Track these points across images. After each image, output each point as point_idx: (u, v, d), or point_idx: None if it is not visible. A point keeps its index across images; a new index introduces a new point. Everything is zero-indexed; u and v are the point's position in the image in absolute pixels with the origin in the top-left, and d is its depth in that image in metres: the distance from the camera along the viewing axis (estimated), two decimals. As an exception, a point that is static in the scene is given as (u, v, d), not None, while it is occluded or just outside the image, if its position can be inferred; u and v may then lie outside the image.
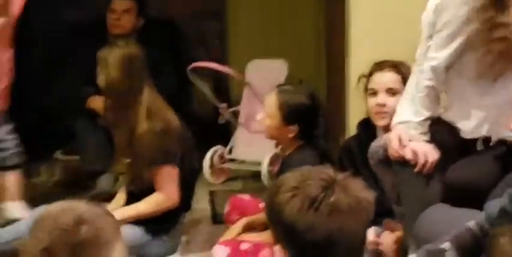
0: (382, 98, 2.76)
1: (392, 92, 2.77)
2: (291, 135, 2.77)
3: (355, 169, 2.81)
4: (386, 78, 2.80)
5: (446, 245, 1.91)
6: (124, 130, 2.93)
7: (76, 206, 1.37)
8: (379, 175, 2.59)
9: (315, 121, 2.82)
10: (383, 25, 3.25)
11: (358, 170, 2.80)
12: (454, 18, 2.32)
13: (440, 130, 2.39)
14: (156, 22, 4.40)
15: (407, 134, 2.39)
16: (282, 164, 2.87)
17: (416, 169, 2.35)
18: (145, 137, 2.84)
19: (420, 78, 2.39)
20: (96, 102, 3.72)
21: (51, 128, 4.61)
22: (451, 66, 2.30)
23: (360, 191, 1.38)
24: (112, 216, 1.40)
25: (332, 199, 1.33)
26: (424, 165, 2.34)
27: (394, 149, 2.39)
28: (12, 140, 3.44)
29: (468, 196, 2.09)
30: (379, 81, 2.80)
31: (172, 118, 2.93)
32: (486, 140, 2.26)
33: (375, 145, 2.57)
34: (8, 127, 3.43)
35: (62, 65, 4.29)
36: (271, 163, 4.08)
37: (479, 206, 1.97)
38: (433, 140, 2.39)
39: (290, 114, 2.76)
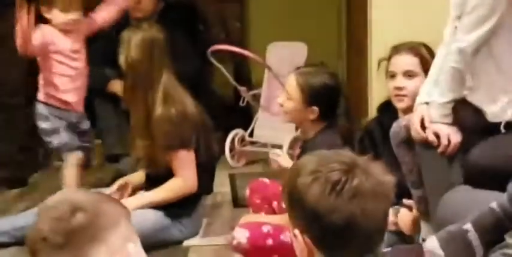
0: (400, 81, 2.76)
1: (410, 74, 2.76)
2: (312, 117, 2.76)
3: (376, 150, 2.81)
4: (404, 61, 2.79)
5: (468, 226, 1.91)
6: (141, 112, 2.95)
7: (75, 195, 1.38)
8: (400, 156, 2.57)
9: (336, 102, 2.80)
10: (404, 7, 3.23)
11: (378, 152, 2.80)
12: (485, 1, 2.29)
13: (464, 112, 2.36)
14: (176, 5, 4.38)
15: (430, 115, 2.38)
16: (304, 147, 2.86)
17: (439, 150, 2.33)
18: (160, 121, 2.85)
19: (446, 60, 2.37)
20: (117, 86, 3.73)
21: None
22: (479, 49, 2.27)
23: (381, 174, 1.36)
24: (115, 202, 1.40)
25: (354, 182, 1.32)
26: (446, 147, 2.33)
27: (417, 130, 2.38)
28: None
29: (490, 178, 2.07)
30: (396, 64, 2.80)
31: (189, 103, 2.94)
32: (509, 124, 2.23)
33: (396, 126, 2.56)
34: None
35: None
36: (292, 146, 4.08)
37: (502, 188, 1.96)
38: (456, 122, 2.37)
39: (311, 96, 2.74)
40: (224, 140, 4.24)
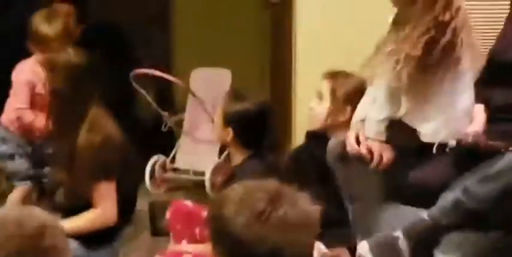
0: (313, 102, 2.95)
1: (320, 97, 2.93)
2: (228, 138, 2.73)
3: (303, 178, 2.80)
4: (322, 84, 2.94)
5: (398, 233, 1.92)
6: (65, 140, 2.84)
7: (37, 213, 1.34)
8: (336, 172, 2.60)
9: (261, 130, 2.78)
10: (329, 35, 3.26)
11: (305, 179, 2.79)
12: None
13: (398, 131, 2.40)
14: (99, 27, 4.31)
15: (365, 131, 2.42)
16: (232, 175, 2.83)
17: (371, 166, 2.35)
18: (84, 150, 2.75)
19: (383, 79, 2.39)
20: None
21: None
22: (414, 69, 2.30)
23: (307, 205, 1.36)
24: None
25: (280, 212, 1.30)
26: (379, 163, 2.35)
27: (351, 145, 2.42)
28: None
29: (421, 197, 2.09)
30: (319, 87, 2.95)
31: (114, 131, 2.84)
32: (442, 145, 2.26)
33: (334, 142, 2.59)
34: None
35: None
36: (214, 172, 4.03)
37: (430, 207, 1.97)
38: (390, 140, 2.40)
39: (228, 119, 2.72)
40: (145, 166, 4.14)
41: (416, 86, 2.32)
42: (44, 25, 3.31)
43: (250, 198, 1.32)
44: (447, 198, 1.92)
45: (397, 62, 2.27)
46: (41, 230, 1.25)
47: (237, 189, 1.38)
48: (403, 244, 1.92)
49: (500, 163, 1.84)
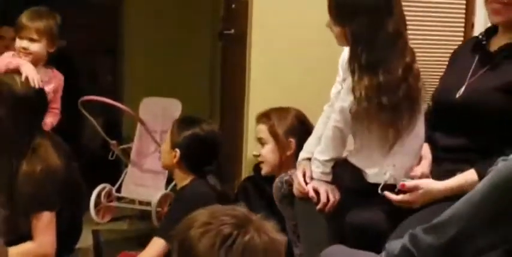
0: (257, 149, 3.01)
1: (262, 142, 2.97)
2: (175, 160, 2.71)
3: (251, 208, 2.79)
4: (257, 130, 3.01)
5: None
6: (3, 170, 2.76)
7: None
8: (283, 211, 2.57)
9: (207, 156, 2.78)
10: (282, 70, 3.29)
11: (252, 209, 2.77)
12: None
13: (344, 172, 2.40)
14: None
15: (311, 171, 2.40)
16: (176, 198, 2.82)
17: (318, 207, 2.34)
18: (23, 181, 2.68)
19: (330, 119, 2.40)
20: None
21: None
22: (355, 111, 2.30)
23: (274, 232, 1.36)
24: None
25: (246, 238, 1.30)
26: (325, 204, 2.34)
27: (300, 185, 2.40)
28: None
29: (366, 238, 2.10)
30: (255, 135, 3.02)
31: (55, 160, 2.77)
32: (387, 186, 2.27)
33: (278, 181, 2.58)
34: None
35: None
36: (161, 203, 3.98)
37: (377, 249, 1.96)
38: (335, 181, 2.39)
39: (178, 138, 2.73)
40: (90, 195, 4.07)
41: (362, 129, 2.33)
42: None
43: (216, 221, 1.32)
44: (394, 245, 1.91)
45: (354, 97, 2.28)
46: None
47: (204, 212, 1.37)
48: None
49: (448, 212, 1.84)
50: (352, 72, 2.26)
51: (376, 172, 2.30)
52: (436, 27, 3.45)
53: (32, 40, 3.07)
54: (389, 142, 2.28)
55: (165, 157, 2.81)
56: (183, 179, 2.76)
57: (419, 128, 2.34)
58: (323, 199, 2.34)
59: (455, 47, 2.68)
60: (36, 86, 2.81)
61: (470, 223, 1.77)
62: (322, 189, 2.35)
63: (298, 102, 3.04)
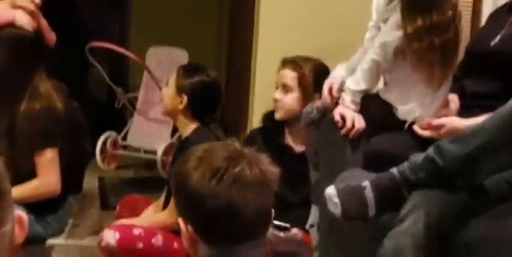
0: (277, 93, 2.89)
1: (286, 89, 2.88)
2: (180, 107, 2.71)
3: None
4: (283, 74, 2.90)
5: (366, 183, 1.95)
6: (3, 111, 2.79)
7: None
8: (308, 137, 2.62)
9: (212, 103, 2.78)
10: (292, 21, 3.26)
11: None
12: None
13: (372, 106, 2.44)
14: (55, 3, 4.24)
15: (341, 99, 2.45)
16: (179, 147, 2.82)
17: (342, 132, 2.38)
18: (23, 118, 2.71)
19: (368, 51, 2.43)
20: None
21: None
22: (400, 48, 2.33)
23: (266, 164, 1.38)
24: None
25: (236, 169, 1.33)
26: (350, 130, 2.38)
27: (324, 96, 2.48)
28: None
29: (387, 166, 2.11)
30: (279, 77, 2.91)
31: (56, 100, 2.80)
32: (413, 123, 2.33)
33: (309, 106, 2.63)
34: None
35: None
36: (166, 152, 4.01)
37: None
38: (363, 111, 2.44)
39: (181, 84, 2.71)
40: (96, 142, 4.10)
41: (401, 69, 2.36)
42: None
43: (210, 155, 1.36)
44: (418, 155, 1.96)
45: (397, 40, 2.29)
46: None
47: (200, 147, 1.41)
48: (369, 194, 1.94)
49: (475, 127, 1.90)
50: (404, 11, 2.29)
51: (408, 109, 2.35)
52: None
53: None
54: (436, 82, 2.31)
55: (169, 102, 2.78)
56: (186, 126, 2.76)
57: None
58: (349, 124, 2.39)
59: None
60: (31, 30, 2.83)
61: (494, 137, 1.83)
62: (349, 115, 2.40)
63: (310, 51, 3.01)
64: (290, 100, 2.88)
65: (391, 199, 1.94)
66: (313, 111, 2.58)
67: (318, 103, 2.61)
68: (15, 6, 2.90)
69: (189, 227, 1.35)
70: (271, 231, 1.51)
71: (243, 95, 3.56)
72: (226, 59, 4.86)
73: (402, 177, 1.94)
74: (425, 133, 2.25)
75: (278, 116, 2.92)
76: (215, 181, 1.31)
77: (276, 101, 2.90)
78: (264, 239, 1.39)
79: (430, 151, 1.91)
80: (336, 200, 1.97)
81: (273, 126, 2.95)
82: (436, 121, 2.23)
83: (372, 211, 1.96)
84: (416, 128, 2.27)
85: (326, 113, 2.57)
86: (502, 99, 2.19)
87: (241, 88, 3.68)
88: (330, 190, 2.00)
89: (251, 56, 3.40)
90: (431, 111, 2.34)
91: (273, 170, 1.38)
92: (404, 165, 1.97)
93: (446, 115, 2.31)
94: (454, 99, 2.42)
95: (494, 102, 2.22)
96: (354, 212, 1.97)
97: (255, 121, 3.23)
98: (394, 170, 1.97)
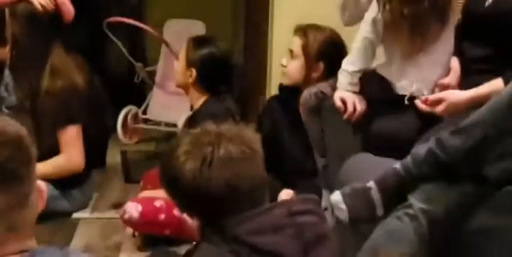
0: (284, 60, 2.93)
1: (292, 54, 2.89)
2: (191, 80, 2.74)
3: (276, 126, 2.84)
4: (292, 41, 2.91)
5: (371, 183, 1.96)
6: (27, 87, 2.83)
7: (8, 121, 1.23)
8: (308, 124, 2.62)
9: (223, 77, 2.79)
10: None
11: (278, 128, 2.83)
12: None
13: (372, 83, 2.43)
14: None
15: (338, 82, 2.46)
16: (193, 118, 2.85)
17: (344, 117, 2.38)
18: (46, 96, 2.75)
19: (360, 30, 2.41)
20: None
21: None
22: (386, 23, 2.31)
23: (246, 135, 1.43)
24: None
25: (221, 151, 1.38)
26: (352, 114, 2.38)
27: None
28: None
29: (392, 147, 2.13)
30: (290, 44, 2.93)
31: (77, 76, 2.84)
32: (413, 97, 2.31)
33: (307, 93, 2.62)
34: None
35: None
36: (186, 125, 4.03)
37: (401, 157, 2.01)
38: (363, 91, 2.43)
39: (193, 57, 2.73)
40: (117, 117, 4.14)
41: (391, 40, 2.34)
42: None
43: (195, 146, 1.40)
44: (420, 149, 1.95)
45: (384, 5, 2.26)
46: (21, 137, 1.17)
47: (183, 140, 1.44)
48: (375, 194, 1.94)
49: (474, 116, 1.87)
50: None
51: (405, 83, 2.33)
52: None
53: None
54: (416, 51, 2.28)
55: (180, 75, 2.81)
56: (198, 99, 2.78)
57: (448, 40, 2.34)
58: (350, 108, 2.39)
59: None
60: (48, 7, 2.84)
61: (494, 128, 1.81)
62: (349, 99, 2.40)
63: (327, 19, 2.99)
64: (294, 67, 2.90)
65: (397, 196, 1.93)
66: (311, 98, 2.57)
67: (314, 89, 2.60)
68: None
69: (196, 218, 1.42)
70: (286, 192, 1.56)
71: (261, 64, 3.57)
72: (243, 29, 4.85)
73: (406, 172, 1.93)
74: (425, 108, 2.22)
75: (285, 82, 2.96)
76: (206, 168, 1.36)
77: (282, 67, 2.94)
78: (267, 204, 1.43)
79: (432, 144, 1.89)
80: (343, 206, 1.97)
81: (288, 93, 2.96)
82: (434, 96, 2.19)
83: (380, 211, 1.97)
84: (417, 102, 2.24)
85: (324, 99, 2.56)
86: (500, 62, 2.17)
87: (258, 57, 3.69)
88: (336, 196, 1.99)
89: (268, 25, 3.41)
90: (430, 82, 2.31)
91: (253, 137, 1.43)
92: (408, 159, 1.95)
93: (447, 86, 2.28)
94: (454, 67, 2.37)
95: (492, 65, 2.20)
96: (363, 215, 1.97)
97: (274, 89, 3.25)
98: (398, 166, 1.96)
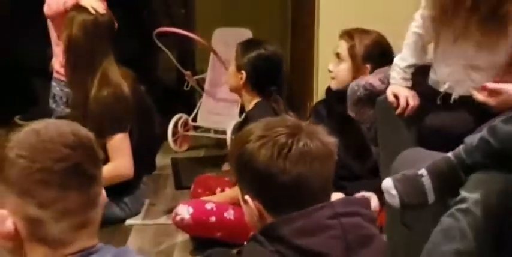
0: (331, 64, 2.95)
1: (339, 57, 2.91)
2: (241, 82, 2.76)
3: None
4: (339, 45, 2.93)
5: (423, 171, 1.96)
6: (80, 93, 2.89)
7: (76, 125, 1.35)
8: (357, 114, 2.62)
9: (272, 77, 2.81)
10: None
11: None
12: None
13: (425, 79, 2.43)
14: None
15: (391, 77, 2.45)
16: (241, 122, 2.88)
17: (397, 112, 2.38)
18: (94, 104, 2.81)
19: (411, 26, 2.42)
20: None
21: (10, 93, 4.54)
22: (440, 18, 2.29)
23: (324, 136, 1.42)
24: None
25: (300, 144, 1.37)
26: (404, 109, 2.38)
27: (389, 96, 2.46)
28: None
29: (445, 142, 2.10)
30: (336, 48, 2.94)
31: (124, 86, 2.89)
32: (446, 96, 2.31)
33: (355, 84, 2.62)
34: None
35: (25, 26, 4.21)
36: (235, 131, 4.06)
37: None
38: (416, 86, 2.42)
39: (243, 60, 2.77)
40: (167, 125, 4.20)
41: (446, 38, 2.32)
42: None
43: (271, 133, 1.39)
44: (473, 138, 1.94)
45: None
46: (92, 140, 1.26)
47: (258, 125, 1.44)
48: (427, 181, 1.94)
49: None
50: None
51: (436, 80, 2.35)
52: None
53: None
54: (470, 55, 2.26)
55: (231, 79, 2.85)
56: (250, 101, 2.81)
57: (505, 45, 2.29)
58: (402, 103, 2.39)
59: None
60: (101, 12, 2.91)
61: None
62: (402, 93, 2.40)
63: (373, 23, 3.00)
64: (342, 70, 2.91)
65: (449, 184, 1.92)
66: (359, 89, 2.58)
67: (362, 81, 2.60)
68: None
69: (257, 203, 1.40)
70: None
71: (308, 69, 3.59)
72: (290, 36, 4.88)
73: (458, 160, 1.92)
74: (480, 97, 2.17)
75: (333, 86, 2.97)
76: (282, 158, 1.35)
77: (330, 71, 2.95)
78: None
79: (484, 132, 1.88)
80: (394, 192, 1.97)
81: (335, 97, 2.97)
82: (493, 85, 2.15)
83: (431, 198, 1.96)
84: (475, 93, 2.20)
85: (372, 91, 2.56)
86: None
87: (306, 62, 3.71)
88: (387, 182, 1.99)
89: (314, 31, 3.43)
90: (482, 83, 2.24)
91: (331, 140, 1.42)
92: (460, 148, 1.94)
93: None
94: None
95: None
96: (414, 201, 1.97)
97: (321, 93, 3.26)
98: (450, 154, 1.95)
